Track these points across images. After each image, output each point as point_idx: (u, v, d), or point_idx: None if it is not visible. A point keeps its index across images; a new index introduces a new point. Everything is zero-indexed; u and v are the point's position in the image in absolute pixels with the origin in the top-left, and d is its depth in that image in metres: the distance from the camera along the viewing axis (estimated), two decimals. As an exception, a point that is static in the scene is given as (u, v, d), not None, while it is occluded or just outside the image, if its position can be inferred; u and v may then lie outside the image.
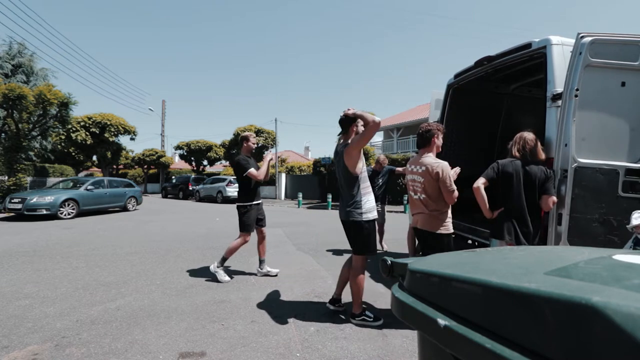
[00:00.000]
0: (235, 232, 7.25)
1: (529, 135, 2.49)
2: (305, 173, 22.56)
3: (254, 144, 3.80)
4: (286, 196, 21.65)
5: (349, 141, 2.45)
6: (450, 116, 4.15)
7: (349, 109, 2.41)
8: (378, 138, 27.56)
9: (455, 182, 2.48)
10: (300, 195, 16.29)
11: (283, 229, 7.82)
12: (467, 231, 3.59)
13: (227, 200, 17.04)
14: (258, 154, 23.26)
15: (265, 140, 22.56)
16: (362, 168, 2.47)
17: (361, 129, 2.44)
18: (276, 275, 3.86)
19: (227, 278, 3.63)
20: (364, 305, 2.68)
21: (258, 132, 22.39)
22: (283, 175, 21.86)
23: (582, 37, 2.36)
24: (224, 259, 3.66)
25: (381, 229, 5.25)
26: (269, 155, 3.85)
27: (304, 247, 5.69)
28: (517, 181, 2.39)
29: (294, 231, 7.54)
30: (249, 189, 3.66)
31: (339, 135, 2.58)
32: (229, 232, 7.24)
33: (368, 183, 2.52)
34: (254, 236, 3.86)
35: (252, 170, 3.55)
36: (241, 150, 3.79)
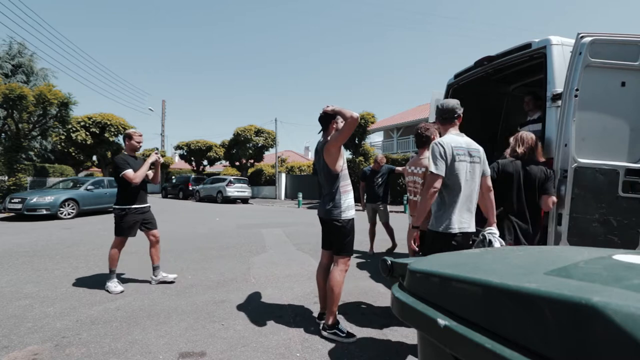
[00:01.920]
0: (234, 232, 7.27)
1: (528, 135, 2.49)
2: (305, 173, 22.58)
3: (138, 142, 3.48)
4: (286, 196, 21.66)
5: (328, 138, 2.38)
6: None
7: (327, 106, 2.32)
8: (378, 138, 27.56)
9: None
10: (300, 195, 16.29)
11: (283, 229, 7.82)
12: None
13: (227, 200, 17.06)
14: (258, 154, 23.31)
15: (265, 140, 22.57)
16: (342, 165, 2.41)
17: (341, 125, 2.36)
18: (173, 282, 3.53)
19: (119, 288, 3.24)
20: (340, 315, 2.56)
21: (258, 132, 22.39)
22: (283, 175, 21.88)
23: (582, 37, 2.36)
24: (111, 272, 3.31)
25: (387, 227, 5.22)
26: (153, 155, 3.48)
27: (304, 247, 5.69)
28: (517, 181, 2.39)
29: (294, 231, 7.53)
30: (128, 191, 3.35)
31: (319, 133, 2.52)
32: (230, 232, 7.24)
33: (348, 181, 2.46)
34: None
35: (128, 171, 3.25)
36: (125, 149, 3.51)
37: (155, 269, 3.54)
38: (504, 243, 2.10)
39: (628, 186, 2.41)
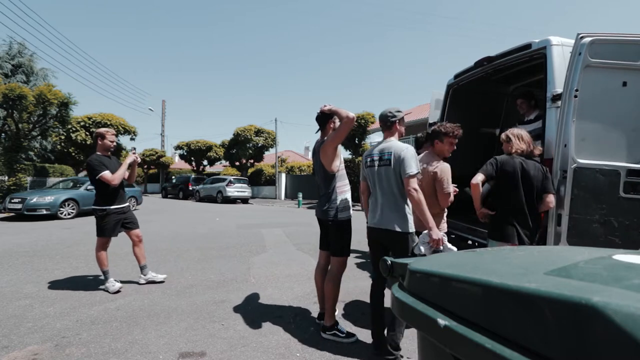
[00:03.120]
0: (234, 232, 7.27)
1: (523, 132, 2.48)
2: (305, 173, 22.57)
3: (112, 142, 3.37)
4: (286, 196, 21.67)
5: (325, 138, 2.39)
6: (450, 116, 4.15)
7: (324, 105, 2.31)
8: (378, 138, 27.52)
9: (456, 180, 2.46)
10: (300, 195, 16.29)
11: (283, 229, 7.82)
12: (465, 231, 3.59)
13: (227, 200, 17.06)
14: (258, 154, 23.30)
15: (265, 140, 22.56)
16: (339, 166, 2.41)
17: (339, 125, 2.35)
18: (163, 282, 3.53)
19: (117, 286, 3.27)
20: (340, 315, 2.60)
21: (258, 132, 22.39)
22: (283, 175, 21.88)
23: (582, 37, 2.36)
24: (104, 273, 3.32)
25: None
26: (130, 156, 3.43)
27: (304, 247, 5.69)
28: (516, 179, 2.36)
29: (294, 231, 7.53)
30: (107, 192, 3.26)
31: (316, 132, 2.51)
32: (230, 232, 7.24)
33: (346, 181, 2.46)
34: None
35: (105, 173, 3.16)
36: (97, 149, 3.37)
37: (142, 268, 3.51)
38: (422, 251, 2.02)
39: (629, 187, 2.41)
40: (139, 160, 3.59)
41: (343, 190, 2.43)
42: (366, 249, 5.26)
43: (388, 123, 2.24)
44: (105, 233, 3.30)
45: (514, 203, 2.36)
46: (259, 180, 22.76)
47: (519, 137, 2.46)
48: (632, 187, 2.41)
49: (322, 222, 2.52)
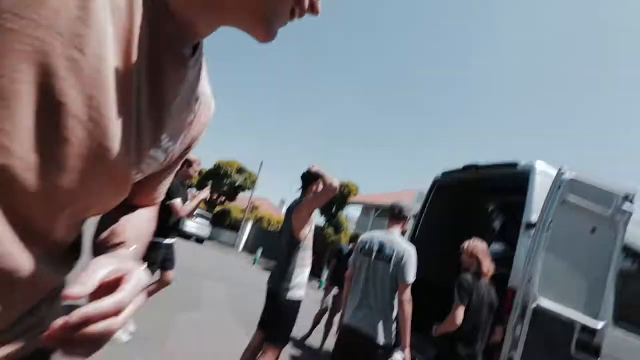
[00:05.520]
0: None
1: (485, 246, 2.35)
2: (273, 229, 21.57)
3: (195, 172, 3.21)
4: (245, 247, 20.35)
5: (304, 199, 2.23)
6: (429, 212, 4.02)
7: (313, 166, 2.24)
8: (356, 212, 27.42)
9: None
10: (259, 251, 15.17)
11: (228, 288, 7.03)
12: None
13: (182, 233, 15.68)
14: (232, 194, 22.50)
15: (244, 180, 22.00)
16: (307, 235, 2.16)
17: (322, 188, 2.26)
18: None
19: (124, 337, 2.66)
20: None
21: (239, 171, 22.00)
22: (249, 224, 20.75)
23: (563, 173, 2.38)
24: None
25: None
26: (204, 192, 3.17)
27: (243, 316, 4.99)
28: (480, 307, 2.15)
29: (239, 293, 6.79)
30: (167, 223, 2.92)
31: (298, 190, 2.37)
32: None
33: (309, 253, 2.20)
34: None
35: (177, 201, 2.84)
36: (178, 174, 3.22)
37: None
38: None
39: (581, 346, 2.19)
40: (209, 196, 3.40)
41: (304, 264, 2.15)
42: (314, 342, 4.54)
43: (402, 216, 2.15)
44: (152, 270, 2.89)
45: (469, 330, 2.12)
46: (223, 222, 21.57)
47: (485, 254, 2.32)
48: (583, 347, 2.20)
49: (270, 292, 2.18)
